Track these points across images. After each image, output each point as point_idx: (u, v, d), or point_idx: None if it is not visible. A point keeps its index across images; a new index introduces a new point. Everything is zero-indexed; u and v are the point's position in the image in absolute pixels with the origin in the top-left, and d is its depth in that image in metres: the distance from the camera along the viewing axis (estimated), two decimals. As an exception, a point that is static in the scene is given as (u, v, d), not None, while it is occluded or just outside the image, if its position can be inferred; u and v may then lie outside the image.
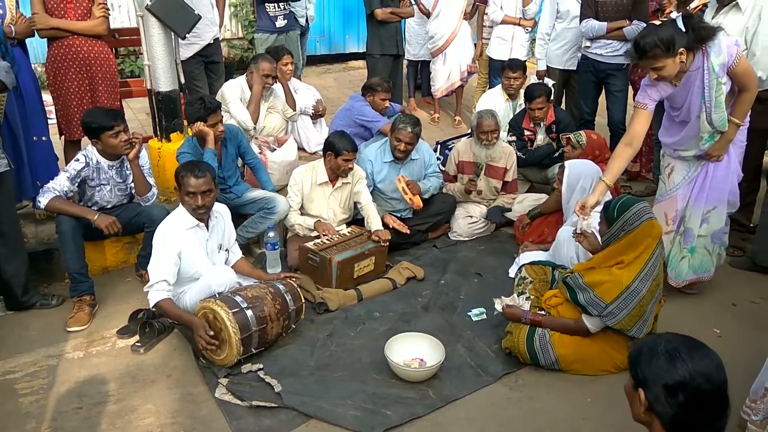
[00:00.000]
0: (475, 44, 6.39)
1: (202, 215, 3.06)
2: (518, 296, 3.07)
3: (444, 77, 6.24)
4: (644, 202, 2.79)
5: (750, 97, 3.18)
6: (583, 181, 3.38)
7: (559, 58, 5.32)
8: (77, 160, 3.30)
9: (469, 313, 3.33)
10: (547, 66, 5.44)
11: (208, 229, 3.13)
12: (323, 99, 5.52)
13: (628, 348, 2.83)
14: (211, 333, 2.78)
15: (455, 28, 6.04)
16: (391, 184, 4.07)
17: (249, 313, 2.81)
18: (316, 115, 5.28)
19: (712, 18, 3.66)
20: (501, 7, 5.73)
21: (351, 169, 3.79)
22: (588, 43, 4.86)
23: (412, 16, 6.15)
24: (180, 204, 3.07)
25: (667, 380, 1.42)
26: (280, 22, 5.52)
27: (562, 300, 2.93)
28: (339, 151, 3.69)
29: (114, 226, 3.25)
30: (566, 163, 3.48)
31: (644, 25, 4.59)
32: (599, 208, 3.00)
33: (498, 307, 3.05)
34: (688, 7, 4.32)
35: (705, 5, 3.98)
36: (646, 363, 1.47)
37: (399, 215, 4.09)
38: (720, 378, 1.43)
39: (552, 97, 4.72)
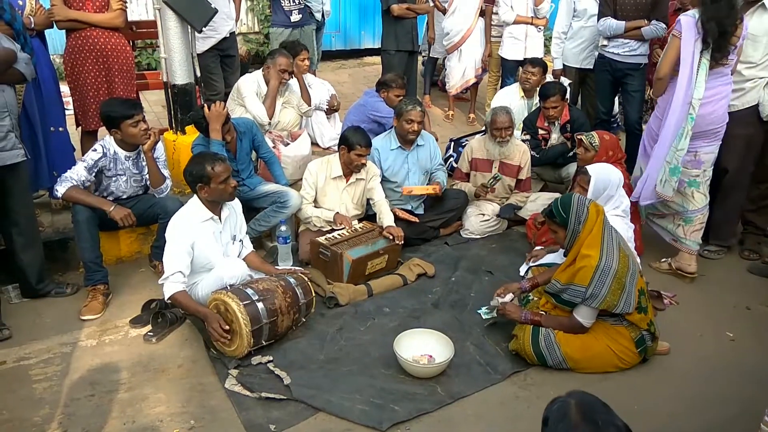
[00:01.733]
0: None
1: (233, 196, 3.12)
2: (499, 297, 3.12)
3: (459, 74, 6.19)
4: (573, 193, 2.97)
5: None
6: (609, 189, 3.38)
7: (576, 57, 5.28)
8: (95, 150, 3.34)
9: (479, 311, 3.32)
10: (564, 65, 5.40)
11: (221, 221, 3.15)
12: (337, 94, 5.52)
13: (633, 341, 2.84)
14: (226, 327, 2.80)
15: (471, 24, 5.99)
16: (398, 174, 4.08)
17: (260, 305, 2.83)
18: (330, 110, 5.28)
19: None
20: (511, 7, 5.65)
21: (364, 164, 3.79)
22: (605, 42, 4.81)
23: (429, 12, 6.12)
24: (194, 196, 3.09)
25: None
26: (295, 17, 5.53)
27: (552, 306, 2.97)
28: (352, 146, 3.69)
29: (129, 218, 3.29)
30: (590, 170, 3.42)
31: (663, 25, 4.55)
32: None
33: (486, 316, 3.14)
34: None
35: None
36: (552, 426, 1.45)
37: (410, 210, 4.09)
38: None
39: (568, 97, 4.68)
